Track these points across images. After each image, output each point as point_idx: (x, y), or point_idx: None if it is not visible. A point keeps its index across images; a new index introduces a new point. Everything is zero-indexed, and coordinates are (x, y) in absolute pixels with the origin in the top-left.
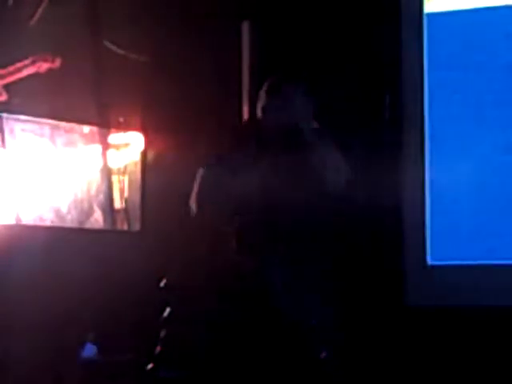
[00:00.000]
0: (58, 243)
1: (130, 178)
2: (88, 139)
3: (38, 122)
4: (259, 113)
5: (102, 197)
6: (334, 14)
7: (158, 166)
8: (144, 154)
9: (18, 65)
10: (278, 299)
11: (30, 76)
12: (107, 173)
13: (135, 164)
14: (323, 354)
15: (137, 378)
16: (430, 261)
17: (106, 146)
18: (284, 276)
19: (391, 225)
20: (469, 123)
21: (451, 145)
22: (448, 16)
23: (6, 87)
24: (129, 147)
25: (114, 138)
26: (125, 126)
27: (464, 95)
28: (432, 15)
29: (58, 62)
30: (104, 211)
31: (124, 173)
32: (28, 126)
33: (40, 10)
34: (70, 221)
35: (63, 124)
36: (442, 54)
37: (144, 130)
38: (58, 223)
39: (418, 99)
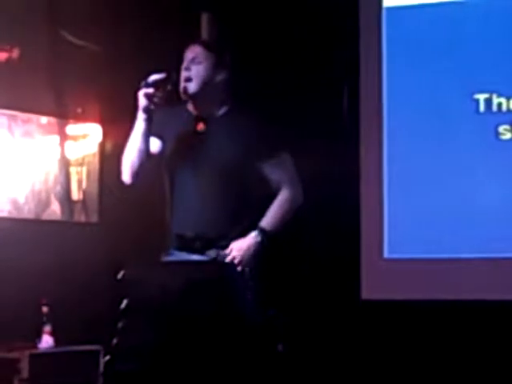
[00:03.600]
0: (15, 234)
1: (88, 169)
2: (46, 130)
3: None
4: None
5: (59, 188)
6: (293, 6)
7: (116, 157)
8: (102, 145)
9: None
10: (235, 291)
11: None
12: (65, 164)
13: (93, 155)
14: (279, 347)
15: (94, 369)
16: (386, 254)
17: (63, 137)
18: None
19: (348, 218)
20: (427, 116)
21: (409, 138)
22: (407, 10)
23: None
24: (87, 138)
25: (72, 128)
26: (83, 117)
27: (422, 88)
28: (391, 9)
29: (16, 53)
30: (62, 202)
31: (82, 164)
32: None
33: None
34: (27, 212)
35: (21, 115)
36: (400, 48)
37: (102, 120)
38: (15, 214)
39: (376, 92)
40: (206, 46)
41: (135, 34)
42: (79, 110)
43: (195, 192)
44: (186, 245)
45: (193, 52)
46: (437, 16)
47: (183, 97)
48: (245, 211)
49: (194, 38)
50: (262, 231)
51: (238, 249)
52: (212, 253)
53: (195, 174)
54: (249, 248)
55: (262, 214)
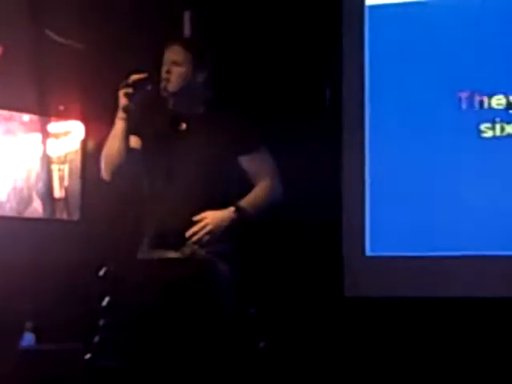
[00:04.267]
0: None
1: (70, 167)
2: (28, 127)
3: None
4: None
5: (41, 185)
6: (275, 5)
7: (98, 154)
8: (84, 143)
9: None
10: (216, 288)
11: None
12: (47, 161)
13: (75, 153)
14: (261, 345)
15: (75, 367)
16: (368, 252)
17: (45, 135)
18: (220, 265)
19: (330, 215)
20: (409, 113)
21: (392, 135)
22: (389, 8)
23: None
24: (69, 136)
25: (54, 126)
26: (65, 115)
27: (404, 86)
28: (374, 7)
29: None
30: (43, 200)
31: (64, 162)
32: None
33: None
34: (9, 210)
35: (2, 112)
36: (383, 46)
37: (84, 118)
38: None
39: (358, 91)
40: (186, 45)
41: (118, 33)
42: (61, 108)
43: (174, 189)
44: (163, 242)
45: (173, 51)
46: (419, 14)
47: (164, 95)
48: (224, 208)
49: (176, 37)
50: (239, 208)
51: (212, 217)
52: (186, 249)
53: (174, 171)
54: (223, 219)
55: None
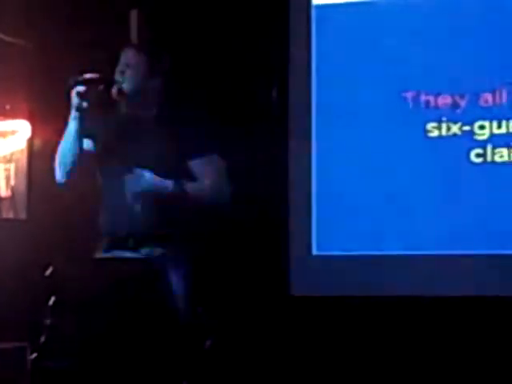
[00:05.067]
0: None
1: (17, 166)
2: None
3: None
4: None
5: None
6: (222, 5)
7: (45, 153)
8: (30, 142)
9: None
10: (163, 288)
11: None
12: None
13: (21, 152)
14: (207, 344)
15: (21, 367)
16: (315, 251)
17: None
18: (168, 264)
19: (277, 213)
20: (355, 113)
21: (338, 134)
22: (336, 8)
23: None
24: (15, 135)
25: (0, 125)
26: (11, 114)
27: (351, 85)
28: (320, 7)
29: None
30: None
31: (10, 161)
32: None
33: None
34: None
35: None
36: (329, 46)
37: (31, 117)
38: None
39: (304, 92)
40: (141, 48)
41: (65, 32)
42: (7, 107)
43: (127, 191)
44: (118, 243)
45: (127, 55)
46: (366, 14)
47: (117, 98)
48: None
49: (125, 37)
50: (179, 183)
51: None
52: (146, 251)
53: (127, 173)
54: (155, 184)
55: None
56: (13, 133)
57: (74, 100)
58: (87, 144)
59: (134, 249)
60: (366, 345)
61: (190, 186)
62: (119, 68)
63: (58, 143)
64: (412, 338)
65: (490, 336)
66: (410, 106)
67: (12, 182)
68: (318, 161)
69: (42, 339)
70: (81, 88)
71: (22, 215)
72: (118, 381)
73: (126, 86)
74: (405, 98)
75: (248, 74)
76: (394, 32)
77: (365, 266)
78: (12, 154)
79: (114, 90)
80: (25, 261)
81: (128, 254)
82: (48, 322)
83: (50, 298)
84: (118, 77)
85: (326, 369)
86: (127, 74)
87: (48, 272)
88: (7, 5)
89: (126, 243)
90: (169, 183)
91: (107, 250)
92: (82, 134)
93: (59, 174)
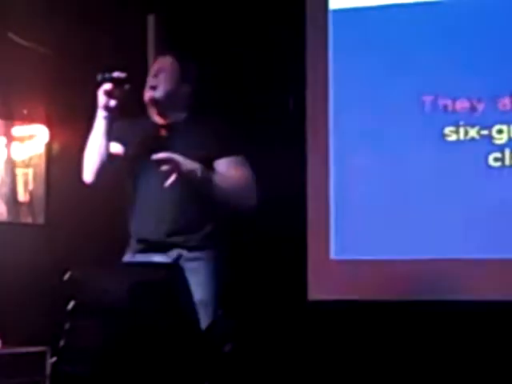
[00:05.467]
0: None
1: (35, 171)
2: None
3: None
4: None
5: (5, 189)
6: (239, 10)
7: (63, 158)
8: (48, 147)
9: None
10: (182, 292)
11: None
12: (11, 165)
13: (40, 156)
14: (227, 348)
15: (41, 371)
16: (333, 255)
17: (9, 139)
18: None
19: (295, 219)
20: (373, 118)
21: (356, 139)
22: (353, 12)
23: None
24: (33, 139)
25: (18, 130)
26: (29, 118)
27: (368, 90)
28: (337, 12)
29: None
30: (8, 204)
31: (28, 165)
32: None
33: None
34: None
35: None
36: (346, 50)
37: (48, 122)
38: None
39: (322, 97)
40: (173, 56)
41: (84, 37)
42: (25, 111)
43: (157, 196)
44: (146, 247)
45: (162, 61)
46: (382, 18)
47: (147, 102)
48: (206, 214)
49: (142, 42)
50: (208, 175)
51: (181, 161)
52: (174, 253)
53: (157, 178)
54: (187, 168)
55: (223, 217)
56: (31, 137)
57: (101, 99)
58: (117, 149)
59: (165, 252)
60: (383, 348)
61: (217, 179)
62: (151, 73)
63: (76, 147)
64: (430, 343)
65: None
66: (428, 110)
67: (30, 187)
68: (336, 165)
69: (62, 343)
70: (107, 86)
71: (40, 220)
72: None
73: (157, 92)
74: (423, 102)
75: (264, 80)
76: (410, 36)
77: (382, 270)
78: (30, 159)
79: (147, 94)
80: (43, 265)
81: (156, 258)
82: (67, 326)
83: (69, 303)
84: (150, 81)
85: (344, 372)
86: (159, 79)
87: (66, 276)
88: (25, 9)
89: (153, 247)
90: (198, 167)
91: (137, 254)
92: (109, 134)
93: (86, 174)
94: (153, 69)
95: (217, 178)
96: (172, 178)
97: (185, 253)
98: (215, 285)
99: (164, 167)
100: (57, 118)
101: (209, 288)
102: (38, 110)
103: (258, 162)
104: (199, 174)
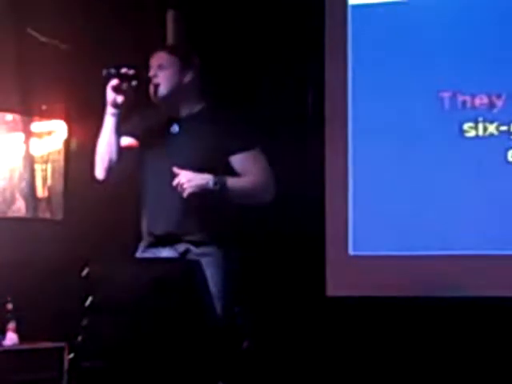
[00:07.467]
0: None
1: (53, 167)
2: (10, 127)
3: None
4: None
5: (24, 185)
6: (259, 7)
7: (81, 154)
8: (67, 143)
9: None
10: (201, 288)
11: None
12: (30, 161)
13: (58, 152)
14: (245, 344)
15: (59, 366)
16: (351, 251)
17: (28, 134)
18: (206, 264)
19: (314, 215)
20: (392, 114)
21: (374, 136)
22: (372, 8)
23: None
24: (52, 135)
25: (37, 126)
26: (48, 114)
27: (387, 86)
28: (356, 7)
29: None
30: (26, 200)
31: (47, 161)
32: None
33: None
34: None
35: None
36: (365, 46)
37: (67, 118)
38: None
39: (341, 92)
40: (171, 51)
41: (103, 32)
42: (44, 107)
43: (168, 190)
44: (159, 242)
45: (158, 58)
46: (401, 14)
47: (154, 101)
48: (217, 210)
49: (161, 38)
50: (221, 182)
51: (188, 179)
52: (180, 247)
53: (169, 172)
54: (197, 185)
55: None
56: (49, 133)
57: (109, 95)
58: (126, 141)
59: (174, 247)
60: (401, 344)
61: (232, 181)
62: (151, 72)
63: (94, 143)
64: (450, 339)
65: None
66: (447, 106)
67: (49, 183)
68: (355, 161)
69: (80, 339)
70: (114, 82)
71: (59, 215)
72: (154, 381)
73: (161, 89)
74: (442, 99)
75: (283, 75)
76: (429, 32)
77: (401, 266)
78: (49, 155)
79: (152, 93)
80: (61, 261)
81: (167, 253)
82: (85, 322)
83: (86, 299)
84: (151, 80)
85: (363, 368)
86: (160, 77)
87: (84, 272)
88: (44, 5)
89: (166, 242)
90: (209, 179)
91: (147, 249)
92: (119, 130)
93: (98, 171)
94: (151, 66)
95: (231, 182)
96: (185, 194)
97: (193, 248)
98: (222, 280)
99: (175, 181)
100: (75, 114)
101: (215, 283)
102: (56, 106)
103: (275, 157)
104: (211, 185)
